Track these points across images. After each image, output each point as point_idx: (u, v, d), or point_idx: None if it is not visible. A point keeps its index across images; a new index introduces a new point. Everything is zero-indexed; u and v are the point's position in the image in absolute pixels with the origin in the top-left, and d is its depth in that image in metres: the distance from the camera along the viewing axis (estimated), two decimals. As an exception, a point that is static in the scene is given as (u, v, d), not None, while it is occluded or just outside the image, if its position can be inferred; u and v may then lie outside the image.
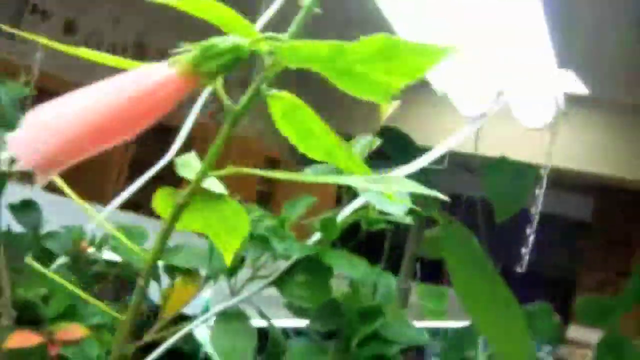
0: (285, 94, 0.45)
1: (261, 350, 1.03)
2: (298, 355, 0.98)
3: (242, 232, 0.50)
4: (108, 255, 1.11)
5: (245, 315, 1.00)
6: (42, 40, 0.53)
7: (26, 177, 1.19)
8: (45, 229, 1.09)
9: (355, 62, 0.41)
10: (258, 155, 5.30)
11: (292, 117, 0.46)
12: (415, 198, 1.51)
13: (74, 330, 0.95)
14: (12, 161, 0.39)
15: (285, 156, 5.53)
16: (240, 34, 0.44)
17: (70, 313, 0.98)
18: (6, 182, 0.98)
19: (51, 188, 1.24)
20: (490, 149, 1.61)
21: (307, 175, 0.48)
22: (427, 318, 1.19)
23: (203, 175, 0.46)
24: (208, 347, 1.25)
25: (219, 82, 0.47)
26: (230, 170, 0.46)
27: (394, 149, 1.57)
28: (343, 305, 1.00)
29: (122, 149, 4.24)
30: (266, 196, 5.68)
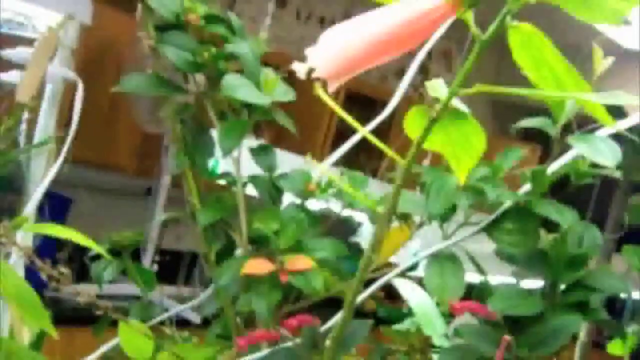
0: (524, 25, 0.52)
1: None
2: (504, 296, 1.05)
3: (478, 151, 0.57)
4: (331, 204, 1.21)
5: (456, 257, 1.07)
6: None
7: (258, 132, 1.31)
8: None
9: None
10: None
11: (528, 46, 0.52)
12: (626, 162, 1.53)
13: (302, 262, 1.05)
14: (310, 71, 0.48)
15: (487, 131, 5.54)
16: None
17: (298, 246, 1.08)
18: (246, 130, 1.10)
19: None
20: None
21: (536, 92, 0.54)
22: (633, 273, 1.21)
23: (453, 93, 0.53)
24: (411, 302, 1.32)
25: (470, 16, 0.54)
26: (479, 87, 0.53)
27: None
28: (550, 253, 1.05)
29: (329, 118, 4.40)
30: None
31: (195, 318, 3.13)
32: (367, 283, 1.15)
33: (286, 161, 1.27)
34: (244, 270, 1.04)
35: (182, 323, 1.31)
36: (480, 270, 1.11)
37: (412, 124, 0.57)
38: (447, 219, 1.10)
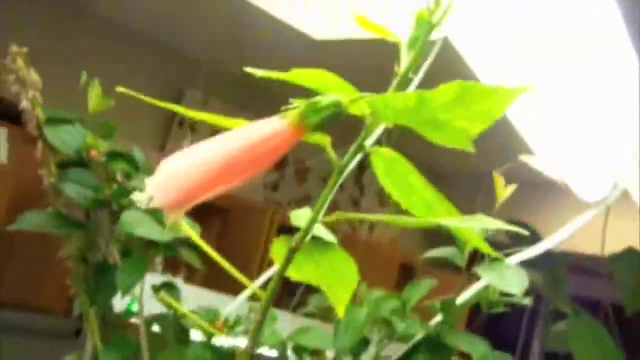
0: (386, 150, 0.51)
1: None
2: None
3: (351, 282, 0.55)
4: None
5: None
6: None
7: (168, 267, 1.28)
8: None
9: (437, 110, 0.46)
10: (393, 262, 5.30)
11: (393, 172, 0.51)
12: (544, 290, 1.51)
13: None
14: (150, 201, 0.46)
15: (421, 263, 5.52)
16: (343, 94, 0.51)
17: (204, 388, 1.04)
18: (147, 267, 1.07)
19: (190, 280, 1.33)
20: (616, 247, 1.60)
21: (403, 219, 0.52)
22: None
23: (313, 222, 0.51)
24: None
25: (327, 140, 0.53)
26: (339, 215, 0.52)
27: (522, 242, 1.58)
28: (463, 385, 1.02)
29: (263, 248, 4.35)
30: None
31: None
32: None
33: (202, 298, 1.25)
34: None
35: None
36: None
37: (277, 253, 0.55)
38: (359, 353, 1.07)
